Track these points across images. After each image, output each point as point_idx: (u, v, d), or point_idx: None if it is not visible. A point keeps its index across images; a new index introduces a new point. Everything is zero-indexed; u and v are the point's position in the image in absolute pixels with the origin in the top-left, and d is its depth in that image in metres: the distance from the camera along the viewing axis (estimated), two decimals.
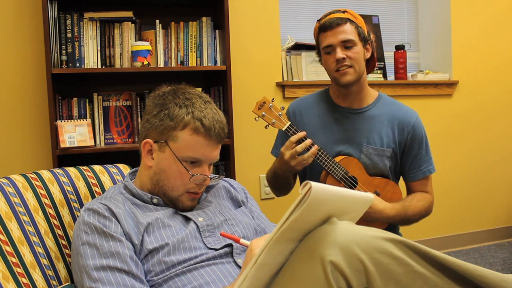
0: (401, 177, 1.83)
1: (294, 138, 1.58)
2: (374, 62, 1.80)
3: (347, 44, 1.64)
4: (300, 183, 1.86)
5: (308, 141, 1.57)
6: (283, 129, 1.61)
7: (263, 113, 1.62)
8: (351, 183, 1.66)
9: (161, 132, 1.17)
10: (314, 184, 0.70)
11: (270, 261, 0.77)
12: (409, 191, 1.79)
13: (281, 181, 1.76)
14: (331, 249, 0.74)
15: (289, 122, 1.62)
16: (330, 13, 1.70)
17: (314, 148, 1.58)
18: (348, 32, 1.64)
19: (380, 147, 1.69)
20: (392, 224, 1.77)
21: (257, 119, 1.64)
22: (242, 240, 1.06)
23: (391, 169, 1.72)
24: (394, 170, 1.74)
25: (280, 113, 1.62)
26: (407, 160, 1.74)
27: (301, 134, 1.58)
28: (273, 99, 1.64)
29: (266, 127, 1.65)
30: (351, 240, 0.75)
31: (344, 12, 1.69)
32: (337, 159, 1.67)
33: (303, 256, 0.76)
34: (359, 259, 0.74)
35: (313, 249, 0.75)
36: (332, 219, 0.79)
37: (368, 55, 1.72)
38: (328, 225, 0.77)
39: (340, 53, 1.63)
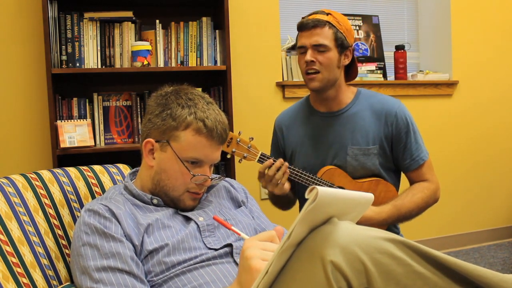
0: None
1: (261, 168, 1.58)
2: (355, 70, 1.74)
3: (319, 49, 1.60)
4: (299, 202, 1.85)
5: (277, 163, 1.57)
6: (256, 161, 1.61)
7: (233, 149, 1.61)
8: None
9: (163, 132, 1.17)
10: (320, 188, 0.70)
11: (278, 268, 0.77)
12: (410, 182, 1.73)
13: (279, 199, 1.76)
14: (331, 249, 0.73)
15: (260, 152, 1.62)
16: (313, 13, 1.65)
17: (284, 167, 1.57)
18: (323, 36, 1.59)
19: (365, 146, 1.65)
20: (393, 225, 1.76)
21: (228, 156, 1.64)
22: (233, 227, 1.06)
23: (381, 165, 1.67)
24: (385, 165, 1.68)
25: (249, 145, 1.61)
26: (398, 151, 1.68)
27: (267, 163, 1.58)
28: (239, 132, 1.63)
29: (239, 161, 1.65)
30: (352, 241, 0.75)
31: (328, 14, 1.63)
32: (319, 174, 1.65)
33: (303, 257, 0.76)
34: (360, 259, 0.74)
35: (313, 250, 0.75)
36: (333, 219, 0.79)
37: (347, 61, 1.67)
38: (329, 226, 0.77)
39: (309, 56, 1.60)
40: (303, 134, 1.74)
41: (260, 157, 1.61)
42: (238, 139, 1.61)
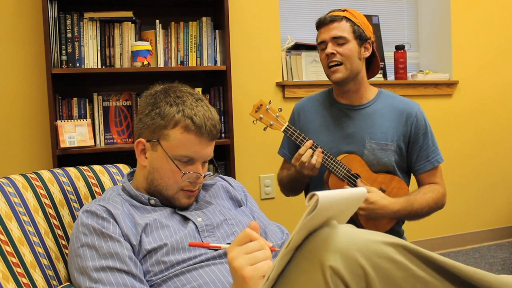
0: (411, 175, 1.81)
1: (302, 150, 1.59)
2: (377, 65, 1.78)
3: (339, 41, 1.65)
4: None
5: (310, 151, 1.58)
6: (281, 130, 1.62)
7: (261, 115, 1.62)
8: (354, 181, 1.65)
9: (153, 131, 1.17)
10: (320, 194, 0.69)
11: (277, 273, 0.76)
12: (419, 184, 1.76)
13: (299, 184, 1.76)
14: (331, 254, 0.73)
15: (287, 123, 1.63)
16: (329, 12, 1.72)
17: (318, 152, 1.58)
18: (340, 29, 1.65)
19: (384, 141, 1.68)
20: (400, 221, 1.77)
21: (255, 122, 1.65)
22: (212, 244, 1.06)
23: (396, 163, 1.70)
24: (400, 164, 1.71)
25: (277, 114, 1.63)
26: (413, 151, 1.71)
27: (308, 144, 1.59)
28: (270, 101, 1.64)
29: (264, 129, 1.66)
30: (351, 245, 0.74)
31: (344, 11, 1.70)
32: (339, 157, 1.66)
33: (302, 261, 0.76)
34: (359, 264, 0.73)
35: (313, 254, 0.75)
36: (332, 222, 0.78)
37: (367, 54, 1.71)
38: (328, 229, 0.77)
39: (330, 48, 1.65)
40: (320, 121, 1.77)
41: (286, 127, 1.62)
42: (267, 107, 1.62)
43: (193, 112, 1.16)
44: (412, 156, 1.72)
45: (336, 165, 1.63)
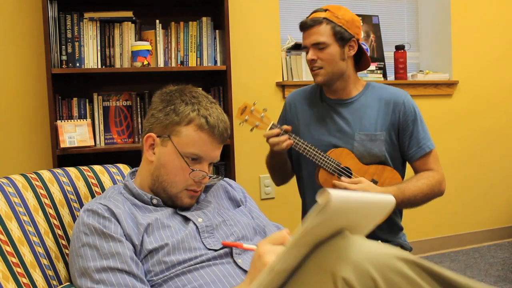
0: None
1: (266, 134, 1.64)
2: (367, 59, 1.77)
3: (319, 46, 1.66)
4: (296, 175, 1.87)
5: (283, 137, 1.62)
6: (267, 129, 1.65)
7: (246, 117, 1.66)
8: (345, 174, 1.65)
9: (165, 127, 1.18)
10: (333, 193, 0.68)
11: (285, 267, 0.77)
12: (415, 172, 1.75)
13: (276, 161, 1.78)
14: (343, 265, 0.73)
15: (272, 122, 1.66)
16: (313, 12, 1.72)
17: (289, 143, 1.63)
18: (320, 33, 1.65)
19: (373, 132, 1.68)
20: (397, 211, 1.76)
21: (241, 124, 1.68)
22: (245, 245, 1.07)
23: (388, 153, 1.70)
24: (392, 154, 1.71)
25: (262, 114, 1.65)
26: (404, 139, 1.71)
27: (275, 131, 1.63)
28: (254, 102, 1.66)
29: (251, 130, 1.68)
30: (364, 257, 0.75)
31: (325, 10, 1.68)
32: (328, 152, 1.67)
33: (314, 271, 0.76)
34: (371, 276, 0.73)
35: (324, 264, 0.75)
36: (345, 232, 0.78)
37: (352, 52, 1.70)
38: (341, 240, 0.77)
39: (310, 55, 1.67)
40: (309, 116, 1.78)
41: (271, 126, 1.66)
42: (252, 108, 1.65)
43: (208, 113, 1.18)
44: (404, 144, 1.72)
45: (325, 159, 1.64)
